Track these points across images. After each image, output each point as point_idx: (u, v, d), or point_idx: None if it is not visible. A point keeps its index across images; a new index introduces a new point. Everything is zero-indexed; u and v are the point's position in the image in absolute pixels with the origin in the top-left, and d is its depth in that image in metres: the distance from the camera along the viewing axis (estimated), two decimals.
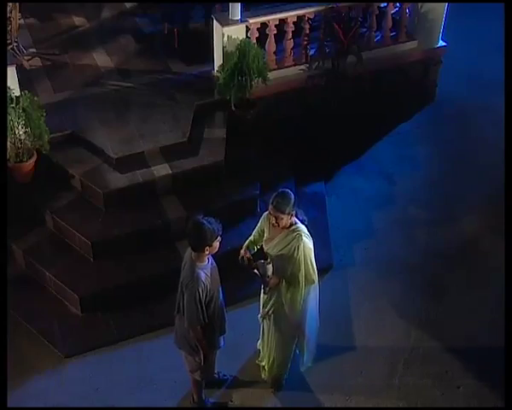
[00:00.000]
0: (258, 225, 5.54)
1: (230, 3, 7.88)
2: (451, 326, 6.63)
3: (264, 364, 6.10)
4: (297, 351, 6.03)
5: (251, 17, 8.06)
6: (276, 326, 5.72)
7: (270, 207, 5.14)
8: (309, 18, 8.37)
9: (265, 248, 5.42)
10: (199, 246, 4.86)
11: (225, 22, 7.91)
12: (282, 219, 5.12)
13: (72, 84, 8.23)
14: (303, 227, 5.27)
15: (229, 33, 7.91)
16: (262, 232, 5.49)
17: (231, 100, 7.95)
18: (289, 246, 5.20)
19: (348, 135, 8.63)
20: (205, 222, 4.81)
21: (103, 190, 6.95)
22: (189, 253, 5.00)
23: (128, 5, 9.94)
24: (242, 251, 5.48)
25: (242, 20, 7.97)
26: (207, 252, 4.88)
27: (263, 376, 6.12)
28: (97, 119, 7.68)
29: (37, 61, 8.65)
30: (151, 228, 6.88)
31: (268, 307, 5.64)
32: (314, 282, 5.42)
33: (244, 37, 7.92)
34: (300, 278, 5.28)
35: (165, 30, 9.23)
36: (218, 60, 8.13)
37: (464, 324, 6.62)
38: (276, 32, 8.27)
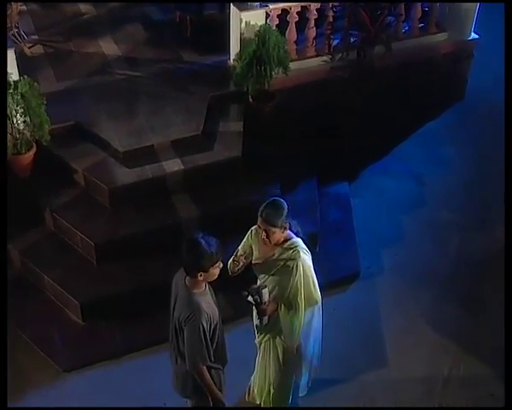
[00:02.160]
0: (244, 241, 4.68)
1: None
2: (492, 342, 5.95)
3: (258, 401, 5.31)
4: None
5: (271, 2, 7.43)
6: (273, 354, 4.92)
7: (260, 220, 4.33)
8: (333, 5, 7.72)
9: (256, 272, 4.65)
10: (191, 270, 4.05)
11: (243, 7, 7.27)
12: (274, 233, 4.32)
13: (76, 73, 7.62)
14: (299, 241, 4.48)
15: (247, 19, 7.28)
16: (249, 250, 4.66)
17: (248, 91, 7.33)
18: (285, 266, 4.42)
19: (373, 132, 7.96)
20: (202, 242, 3.97)
21: (109, 185, 6.32)
22: (180, 278, 4.17)
23: None
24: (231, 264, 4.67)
25: (262, 5, 7.34)
26: (201, 278, 4.07)
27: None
28: (103, 110, 7.06)
29: (39, 49, 8.05)
30: (161, 228, 6.24)
31: (262, 335, 4.90)
32: (317, 302, 4.63)
33: (263, 23, 7.27)
34: (300, 302, 4.48)
35: (176, 18, 8.60)
36: (234, 48, 7.50)
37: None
38: (297, 19, 7.62)
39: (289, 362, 4.94)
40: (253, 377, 5.31)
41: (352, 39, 7.87)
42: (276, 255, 4.46)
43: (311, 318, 4.71)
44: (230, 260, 4.67)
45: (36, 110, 6.18)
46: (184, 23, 8.43)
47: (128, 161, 6.51)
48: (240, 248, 4.72)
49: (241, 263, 4.65)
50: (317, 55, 7.95)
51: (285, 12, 7.56)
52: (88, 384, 5.54)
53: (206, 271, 4.03)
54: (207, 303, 4.15)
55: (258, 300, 4.49)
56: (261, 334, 4.91)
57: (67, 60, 7.86)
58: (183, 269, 4.12)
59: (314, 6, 7.61)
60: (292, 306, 4.52)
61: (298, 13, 7.59)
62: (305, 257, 4.46)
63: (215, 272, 4.09)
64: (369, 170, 7.87)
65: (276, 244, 4.43)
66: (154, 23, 8.70)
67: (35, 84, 6.28)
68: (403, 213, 7.32)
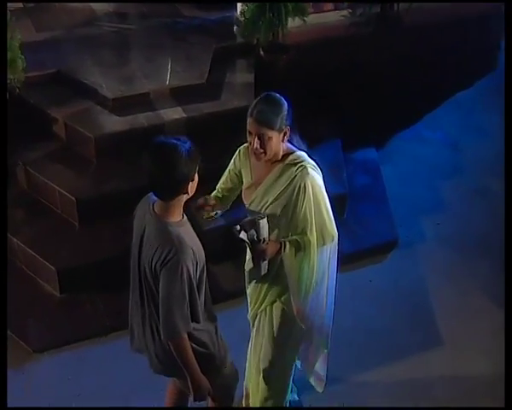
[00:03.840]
0: (230, 166, 3.56)
1: None
2: None
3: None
4: (298, 361, 3.94)
5: None
6: (268, 327, 3.64)
7: (250, 121, 3.16)
8: None
9: (248, 204, 3.43)
10: (172, 189, 2.90)
11: None
12: (271, 139, 3.14)
13: (59, 25, 6.52)
14: (305, 155, 3.34)
15: None
16: (237, 177, 3.53)
17: (259, 43, 6.30)
18: (289, 189, 3.26)
19: (400, 96, 6.92)
20: (178, 144, 2.86)
21: (95, 133, 5.20)
22: (147, 209, 3.03)
23: None
24: (199, 201, 3.48)
25: None
26: (184, 197, 2.96)
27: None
28: (90, 59, 5.97)
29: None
30: None
31: (258, 301, 3.62)
32: (333, 238, 3.41)
33: None
34: (311, 236, 3.29)
35: None
36: None
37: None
38: None
39: (290, 335, 3.62)
40: (246, 375, 3.98)
41: None
42: (274, 176, 3.29)
43: (326, 262, 3.47)
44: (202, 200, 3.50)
45: (8, 42, 5.08)
46: None
47: (118, 109, 5.42)
48: (224, 175, 3.58)
49: (221, 198, 3.59)
50: (335, 9, 6.94)
51: None
52: (64, 367, 4.37)
53: (186, 187, 2.89)
54: (190, 236, 3.01)
55: (255, 236, 3.25)
56: (256, 299, 3.62)
57: (49, 12, 6.79)
58: (154, 192, 2.95)
59: None
60: (300, 244, 3.32)
61: None
62: (315, 175, 3.28)
63: (194, 185, 2.96)
64: (398, 137, 6.80)
65: (275, 161, 3.29)
66: None
67: (7, 11, 5.21)
68: (441, 179, 6.25)
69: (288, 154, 3.31)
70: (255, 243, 3.28)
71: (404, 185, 6.11)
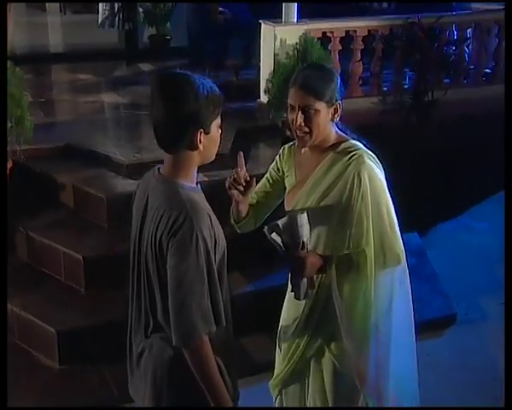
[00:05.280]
0: (272, 166, 3.11)
1: (284, 3, 6.49)
2: None
3: None
4: None
5: (309, 23, 6.62)
6: (316, 386, 2.99)
7: (293, 90, 2.78)
8: (382, 34, 6.90)
9: (291, 207, 2.93)
10: (178, 133, 2.39)
11: (278, 22, 6.48)
12: (318, 113, 2.73)
13: (69, 110, 6.61)
14: (359, 144, 2.87)
15: (282, 36, 6.40)
16: (279, 180, 3.07)
17: (284, 124, 6.26)
18: (340, 182, 2.78)
19: (443, 184, 6.76)
20: (193, 77, 2.40)
21: (107, 194, 4.99)
22: (151, 176, 2.57)
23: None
24: (235, 172, 2.91)
25: (299, 21, 6.54)
26: (195, 155, 2.45)
27: None
28: (101, 134, 5.95)
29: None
30: None
31: (304, 341, 2.98)
32: (399, 258, 2.84)
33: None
34: (368, 249, 2.75)
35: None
36: (266, 69, 6.50)
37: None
38: (340, 48, 6.75)
39: (344, 390, 2.95)
40: None
41: (405, 82, 7.01)
42: (323, 168, 2.83)
43: (389, 292, 2.86)
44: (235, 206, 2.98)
45: (16, 97, 5.04)
46: None
47: (133, 174, 5.24)
48: (261, 181, 3.10)
49: (256, 205, 3.07)
50: (364, 96, 6.98)
51: (326, 38, 6.69)
52: None
53: (206, 129, 2.40)
54: (207, 205, 2.51)
55: (289, 239, 2.71)
56: (295, 349, 2.98)
57: (59, 104, 6.90)
58: (156, 136, 2.45)
59: (361, 32, 6.77)
60: (353, 260, 2.78)
61: (341, 40, 6.72)
62: (375, 166, 2.81)
63: (210, 141, 2.46)
64: (442, 227, 6.57)
65: (324, 149, 2.85)
66: None
67: (17, 69, 5.22)
68: (495, 263, 5.90)
69: (339, 142, 2.85)
70: (291, 248, 2.72)
71: (456, 268, 5.81)
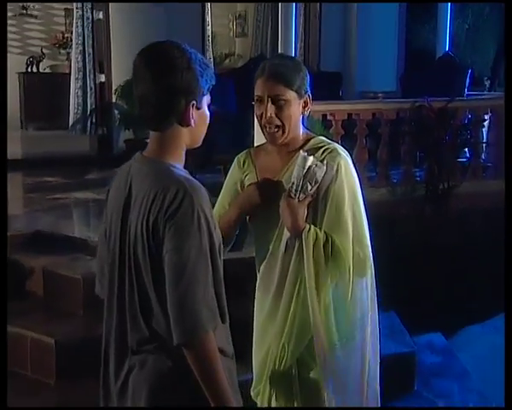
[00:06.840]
0: (226, 180, 3.03)
1: None
2: None
3: None
4: None
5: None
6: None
7: (259, 81, 2.76)
8: (388, 117, 6.79)
9: (255, 219, 2.93)
10: (164, 107, 2.27)
11: None
12: (289, 104, 2.72)
13: (36, 203, 6.39)
14: (330, 141, 2.92)
15: None
16: (238, 192, 3.02)
17: None
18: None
19: (466, 284, 6.49)
20: (182, 46, 2.29)
21: (84, 275, 4.63)
22: (130, 164, 2.42)
23: None
24: None
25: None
26: (184, 131, 2.32)
27: None
28: (75, 221, 5.72)
29: None
30: None
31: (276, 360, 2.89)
32: (370, 268, 2.85)
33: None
34: (346, 241, 2.74)
35: None
36: None
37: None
38: (343, 133, 6.61)
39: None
40: None
41: (417, 174, 6.93)
42: (292, 166, 2.79)
43: (366, 302, 2.86)
44: None
45: None
46: None
47: None
48: (219, 199, 3.00)
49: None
50: (370, 187, 6.79)
51: (327, 122, 6.57)
52: None
53: (184, 109, 2.27)
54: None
55: (304, 180, 2.71)
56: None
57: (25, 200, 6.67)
58: (140, 111, 2.33)
59: (364, 115, 6.67)
60: (329, 243, 2.73)
61: (342, 125, 6.60)
62: (350, 162, 2.82)
63: (200, 118, 2.33)
64: (470, 329, 6.26)
65: (292, 150, 2.81)
66: None
67: None
68: None
69: (308, 139, 2.85)
70: (299, 187, 2.70)
71: (490, 366, 5.41)
